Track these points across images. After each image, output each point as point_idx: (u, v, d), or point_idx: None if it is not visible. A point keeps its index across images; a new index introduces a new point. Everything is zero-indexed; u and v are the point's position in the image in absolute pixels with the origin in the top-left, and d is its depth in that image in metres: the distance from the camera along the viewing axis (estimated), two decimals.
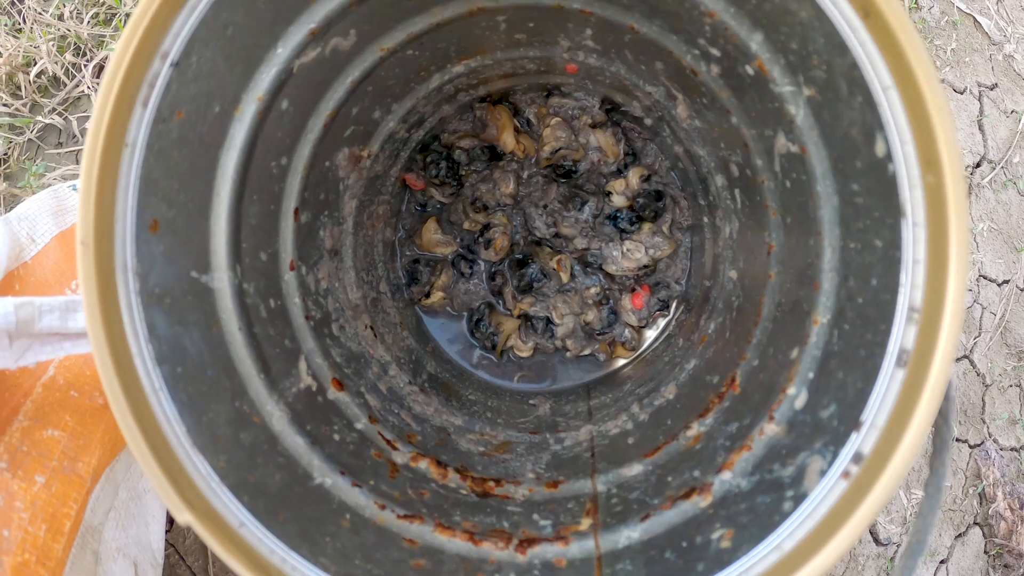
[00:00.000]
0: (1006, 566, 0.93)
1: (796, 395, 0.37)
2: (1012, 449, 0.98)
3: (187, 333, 0.38)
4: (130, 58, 0.32)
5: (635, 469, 0.46)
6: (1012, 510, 0.91)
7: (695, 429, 0.45)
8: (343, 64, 0.45)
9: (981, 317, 1.01)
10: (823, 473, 0.31)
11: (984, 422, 0.98)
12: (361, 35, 0.44)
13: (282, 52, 0.40)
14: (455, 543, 0.41)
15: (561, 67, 0.54)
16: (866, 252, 0.33)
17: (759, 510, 0.34)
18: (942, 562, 0.92)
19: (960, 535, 0.94)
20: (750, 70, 0.38)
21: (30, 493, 0.53)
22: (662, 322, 0.64)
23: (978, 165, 1.07)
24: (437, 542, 0.41)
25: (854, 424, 0.30)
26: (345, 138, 0.51)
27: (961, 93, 1.09)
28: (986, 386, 0.98)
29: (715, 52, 0.40)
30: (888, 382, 0.30)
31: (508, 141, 0.60)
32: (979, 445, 0.97)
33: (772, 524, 0.32)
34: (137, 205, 0.34)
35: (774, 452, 0.36)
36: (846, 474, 0.30)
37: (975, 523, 0.95)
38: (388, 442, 0.49)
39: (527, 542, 0.41)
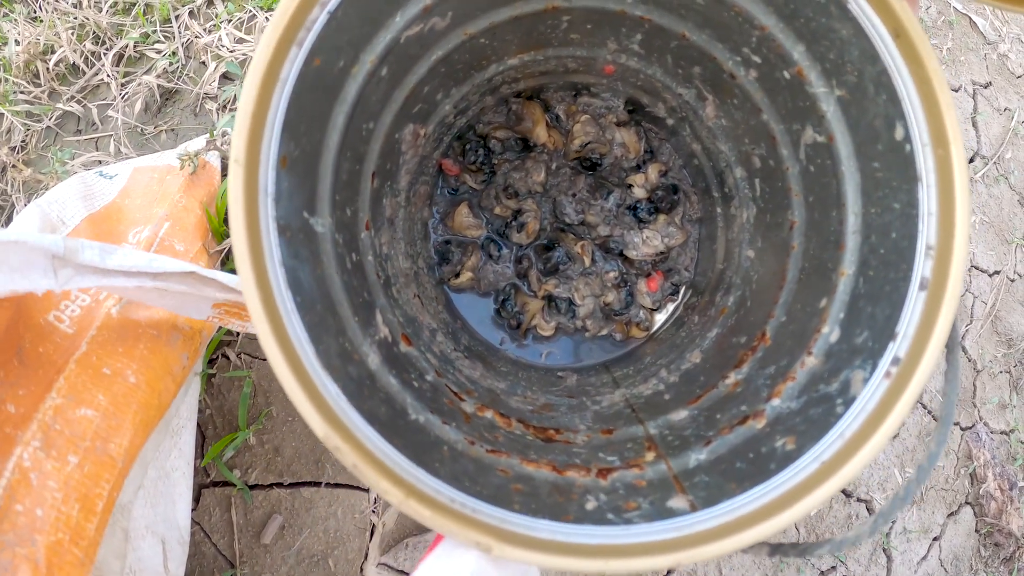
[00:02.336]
0: (996, 544, 1.09)
1: (830, 332, 0.50)
2: (1002, 432, 1.15)
3: (301, 267, 0.45)
4: (298, 2, 0.41)
5: (681, 414, 0.57)
6: (1002, 490, 1.08)
7: (732, 378, 0.58)
8: (432, 43, 0.55)
9: (972, 306, 1.18)
10: (866, 380, 0.44)
11: (975, 406, 1.14)
12: (455, 18, 0.54)
13: (399, 21, 0.49)
14: (542, 472, 0.50)
15: (599, 67, 0.67)
16: (886, 214, 0.47)
17: (814, 419, 0.46)
18: (935, 539, 1.07)
19: (952, 514, 1.09)
20: (788, 75, 0.52)
21: (63, 473, 0.57)
22: (671, 306, 0.77)
23: (971, 161, 1.25)
24: (526, 472, 0.50)
25: (890, 336, 0.44)
26: (413, 114, 0.61)
27: (956, 91, 1.27)
28: (977, 371, 1.15)
29: (756, 59, 0.54)
30: (914, 303, 0.43)
31: (541, 134, 0.72)
32: (970, 428, 1.13)
33: (829, 424, 0.44)
34: (278, 138, 0.42)
35: (817, 377, 0.49)
36: (888, 374, 0.43)
37: (967, 502, 1.10)
38: (455, 394, 0.57)
39: (604, 471, 0.51)
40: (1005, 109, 1.33)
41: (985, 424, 1.15)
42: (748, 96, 0.58)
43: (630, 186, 0.75)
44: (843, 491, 1.07)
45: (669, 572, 0.96)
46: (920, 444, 1.08)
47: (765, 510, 0.42)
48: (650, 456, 0.52)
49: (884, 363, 0.43)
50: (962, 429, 1.14)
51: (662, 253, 0.74)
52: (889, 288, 0.46)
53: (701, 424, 0.55)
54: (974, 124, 1.29)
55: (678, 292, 0.77)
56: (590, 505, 0.46)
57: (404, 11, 0.49)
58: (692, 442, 0.52)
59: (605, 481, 0.50)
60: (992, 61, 1.34)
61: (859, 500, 1.06)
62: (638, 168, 0.76)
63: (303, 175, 0.47)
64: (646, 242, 0.73)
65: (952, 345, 0.45)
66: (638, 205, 0.75)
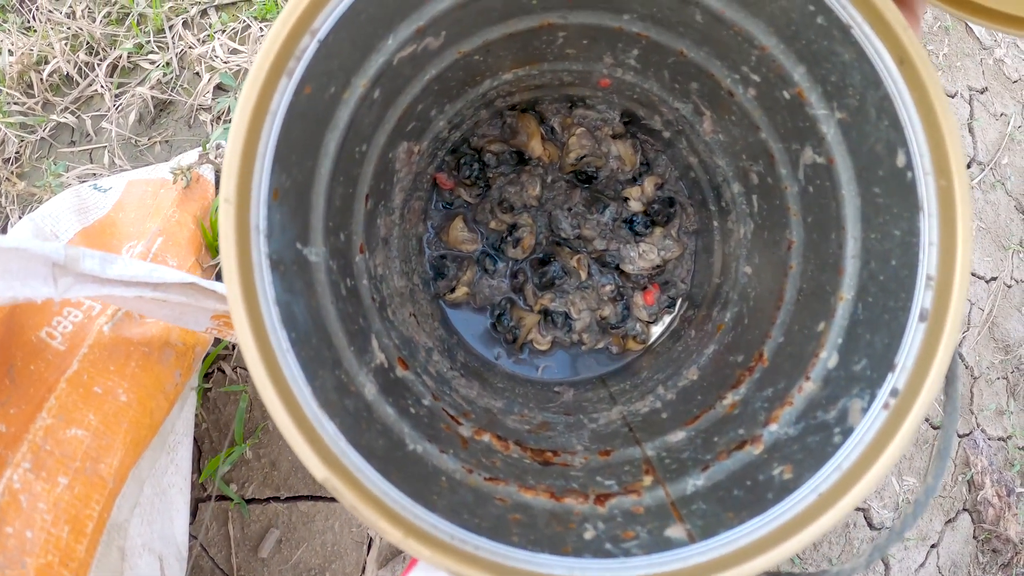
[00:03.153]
0: (994, 551, 1.10)
1: (828, 358, 0.51)
2: (1000, 439, 1.16)
3: (295, 301, 0.45)
4: (287, 32, 0.41)
5: (679, 436, 0.58)
6: (1000, 497, 1.09)
7: (730, 399, 0.58)
8: (426, 63, 0.55)
9: (969, 313, 1.19)
10: (864, 410, 0.45)
11: (972, 413, 1.15)
12: (448, 37, 0.54)
13: (391, 44, 0.49)
14: (540, 500, 0.50)
15: (595, 81, 0.67)
16: (886, 240, 0.48)
17: (812, 447, 0.47)
18: (933, 547, 1.08)
19: (950, 520, 1.10)
20: (787, 95, 0.52)
21: (53, 494, 0.58)
22: (667, 318, 0.77)
23: (968, 167, 1.23)
24: (524, 500, 0.50)
25: (889, 367, 0.44)
26: (406, 132, 0.60)
27: (952, 97, 1.26)
28: (974, 378, 1.16)
29: (755, 78, 0.54)
30: (913, 334, 0.43)
31: (536, 147, 0.72)
32: (968, 435, 1.14)
33: (827, 454, 0.45)
34: (269, 172, 0.42)
35: (815, 403, 0.50)
36: (886, 406, 0.43)
37: (964, 509, 1.12)
38: (452, 417, 0.58)
39: (602, 497, 0.51)
40: (1001, 114, 1.33)
41: (983, 431, 1.16)
42: (746, 113, 0.58)
43: (626, 199, 0.75)
44: None
45: None
46: (918, 452, 1.09)
47: (763, 542, 0.43)
48: (648, 480, 0.53)
49: (883, 394, 0.44)
50: (960, 436, 1.15)
51: (658, 266, 0.74)
52: (888, 317, 0.46)
53: (699, 447, 0.55)
54: (970, 130, 1.29)
55: (674, 304, 0.77)
56: (588, 535, 0.47)
57: (396, 34, 0.49)
58: (689, 466, 0.53)
59: (603, 508, 0.51)
60: (988, 66, 1.34)
61: (857, 509, 1.06)
62: (634, 181, 0.76)
63: (295, 206, 0.46)
64: (642, 256, 0.73)
65: (951, 377, 0.46)
66: (634, 218, 0.74)
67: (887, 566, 1.05)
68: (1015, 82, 1.38)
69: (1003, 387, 1.20)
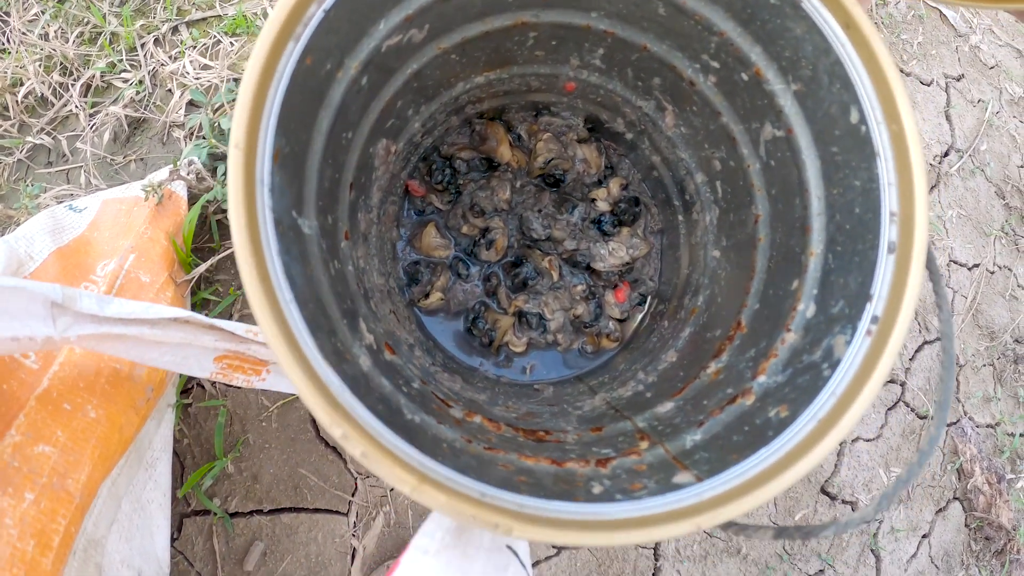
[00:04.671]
0: (987, 538, 1.12)
1: (805, 309, 0.55)
2: (988, 426, 1.19)
3: (293, 264, 0.47)
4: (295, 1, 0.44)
5: (667, 406, 0.60)
6: (990, 484, 1.11)
7: (712, 367, 0.61)
8: (409, 56, 0.59)
9: (953, 300, 1.22)
10: (849, 342, 0.49)
11: (959, 401, 1.18)
12: (431, 31, 0.58)
13: (382, 29, 0.53)
14: (542, 466, 0.51)
15: (561, 85, 0.72)
16: (848, 192, 0.53)
17: (803, 386, 0.50)
18: (924, 536, 1.10)
19: (941, 510, 1.12)
20: (745, 76, 0.59)
21: (19, 510, 0.59)
22: (639, 316, 0.81)
23: (946, 154, 1.29)
24: (527, 466, 0.51)
25: (866, 299, 0.48)
26: (386, 129, 0.64)
27: (928, 85, 1.31)
28: (960, 366, 1.20)
29: (715, 64, 0.61)
30: (885, 265, 0.48)
31: (505, 153, 0.76)
32: (955, 423, 1.17)
33: (819, 387, 0.48)
34: (273, 130, 0.45)
35: (799, 350, 0.53)
36: (869, 332, 0.47)
37: (955, 498, 1.14)
38: (442, 400, 0.58)
39: (603, 460, 0.53)
40: (979, 101, 1.37)
41: (970, 419, 1.20)
42: (707, 101, 0.64)
43: (593, 200, 0.80)
44: (828, 494, 1.10)
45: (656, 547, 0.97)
46: (905, 443, 1.13)
47: (771, 470, 0.45)
48: (644, 444, 0.55)
49: (864, 323, 0.48)
50: (947, 425, 1.19)
51: (627, 264, 0.78)
52: (859, 259, 0.51)
53: (689, 411, 0.58)
54: (947, 118, 1.34)
55: (645, 301, 0.81)
56: (597, 490, 0.48)
57: (388, 19, 0.53)
58: (684, 427, 0.55)
59: (605, 469, 0.52)
60: (964, 53, 1.38)
61: (844, 502, 1.09)
62: (600, 183, 0.81)
63: (292, 174, 0.48)
64: (612, 253, 0.77)
65: (939, 290, 0.50)
66: (602, 218, 0.79)
67: (878, 557, 1.07)
68: (992, 68, 1.42)
69: (990, 374, 1.24)
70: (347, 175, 0.59)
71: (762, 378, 0.54)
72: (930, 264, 0.50)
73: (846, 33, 0.50)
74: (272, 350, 0.40)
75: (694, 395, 0.60)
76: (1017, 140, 1.42)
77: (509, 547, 0.64)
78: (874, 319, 0.48)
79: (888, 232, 0.49)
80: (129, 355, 0.61)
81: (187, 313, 0.61)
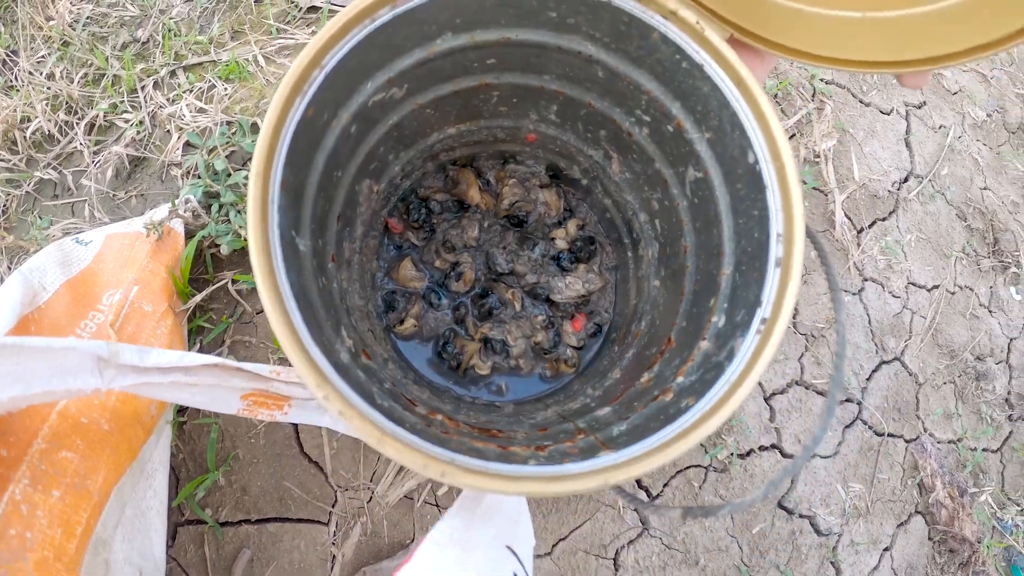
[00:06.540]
0: (951, 551, 1.20)
1: (718, 320, 0.70)
2: (949, 442, 1.27)
3: (290, 269, 0.62)
4: (305, 64, 0.60)
5: (605, 410, 0.74)
6: (952, 497, 1.17)
7: (645, 377, 0.75)
8: (391, 109, 0.76)
9: (911, 321, 1.33)
10: (743, 342, 0.63)
11: (919, 418, 1.28)
12: (408, 90, 0.75)
13: (369, 88, 0.70)
14: (489, 448, 0.65)
15: (523, 136, 0.90)
16: (749, 221, 0.69)
17: (709, 380, 0.64)
18: (886, 550, 1.18)
19: (902, 523, 1.20)
20: (670, 127, 0.76)
21: (48, 503, 0.73)
22: (595, 345, 0.96)
23: (905, 180, 1.41)
24: (476, 447, 0.64)
25: (757, 305, 0.63)
26: (370, 171, 0.80)
27: (887, 114, 1.43)
28: (919, 384, 1.30)
29: (646, 118, 0.78)
30: (773, 276, 0.63)
31: (474, 196, 0.93)
32: (915, 439, 1.26)
33: (719, 376, 0.63)
34: (283, 164, 0.61)
35: (710, 354, 0.67)
36: (758, 332, 0.62)
37: (917, 512, 1.22)
38: (410, 401, 0.72)
39: (542, 447, 0.66)
40: (940, 127, 1.50)
41: (931, 435, 1.28)
42: (643, 150, 0.81)
43: (553, 239, 0.96)
44: (786, 509, 1.19)
45: (616, 557, 1.07)
46: (863, 459, 1.23)
47: (671, 441, 0.58)
48: (580, 437, 0.69)
49: (755, 324, 0.63)
50: (906, 441, 1.28)
51: (583, 296, 0.93)
52: (756, 274, 0.66)
53: (622, 412, 0.71)
54: (907, 144, 1.47)
55: (601, 331, 0.96)
56: (532, 463, 0.62)
57: (374, 80, 0.70)
58: (614, 422, 0.69)
59: (544, 452, 0.65)
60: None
61: (801, 516, 1.19)
62: (559, 223, 0.97)
63: (293, 200, 0.64)
64: (569, 287, 0.92)
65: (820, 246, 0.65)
66: (560, 255, 0.95)
67: (838, 570, 1.14)
68: (955, 94, 1.54)
69: (951, 391, 1.33)
70: (336, 207, 0.74)
71: (680, 379, 0.68)
72: (829, 276, 0.65)
73: (739, 90, 0.67)
74: (276, 333, 0.55)
75: (628, 400, 0.74)
76: (980, 163, 1.54)
77: (508, 547, 0.79)
78: (763, 320, 0.62)
79: (776, 250, 0.64)
80: (164, 397, 0.74)
81: (218, 359, 0.74)
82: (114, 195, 1.16)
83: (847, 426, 1.29)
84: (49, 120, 1.18)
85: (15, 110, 1.17)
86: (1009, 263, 1.50)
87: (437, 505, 1.07)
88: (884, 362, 1.34)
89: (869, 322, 1.36)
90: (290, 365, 0.65)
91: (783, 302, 0.62)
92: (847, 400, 1.30)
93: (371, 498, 1.04)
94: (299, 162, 0.63)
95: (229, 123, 1.19)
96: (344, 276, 0.78)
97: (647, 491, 1.15)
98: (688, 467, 1.18)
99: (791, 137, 1.41)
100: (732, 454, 1.18)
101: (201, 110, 1.20)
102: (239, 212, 1.09)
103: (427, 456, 0.56)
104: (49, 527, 0.71)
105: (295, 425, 1.07)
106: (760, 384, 1.18)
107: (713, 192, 0.73)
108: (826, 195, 1.44)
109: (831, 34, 0.67)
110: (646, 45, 0.70)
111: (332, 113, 0.67)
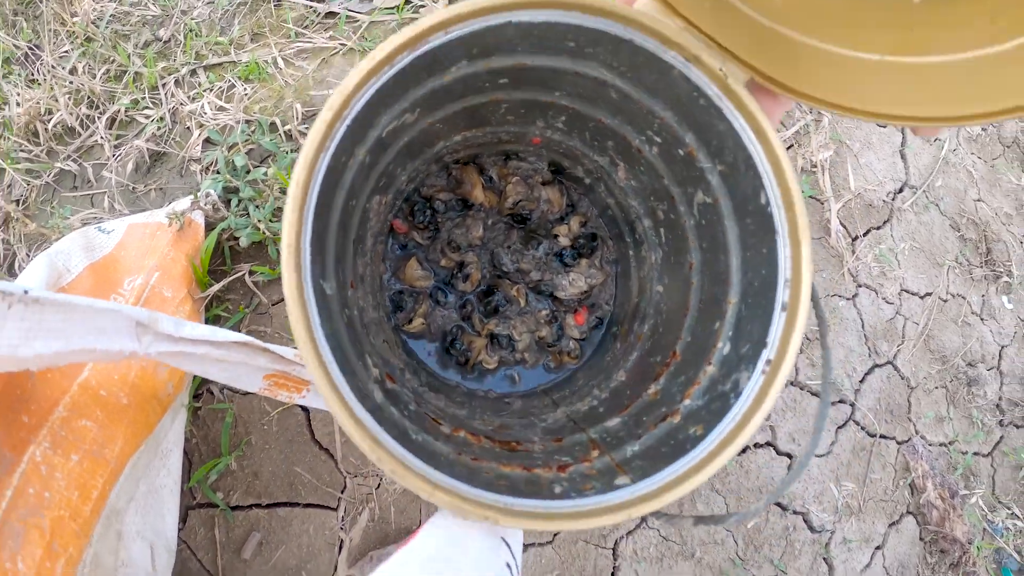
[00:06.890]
0: (942, 551, 1.27)
1: (723, 347, 0.75)
2: (941, 444, 1.34)
3: (323, 323, 0.65)
4: (331, 117, 0.61)
5: (615, 421, 0.80)
6: (943, 499, 1.23)
7: (652, 389, 0.82)
8: (403, 133, 0.76)
9: (904, 327, 1.39)
10: (749, 377, 0.70)
11: (911, 421, 1.35)
12: (420, 113, 0.75)
13: (384, 120, 0.70)
14: (516, 472, 0.71)
15: (528, 139, 0.91)
16: (757, 257, 0.73)
17: (715, 410, 0.70)
18: (877, 548, 1.26)
19: (894, 523, 1.28)
20: (681, 152, 0.78)
21: (67, 467, 0.79)
22: (597, 336, 1.02)
23: (900, 191, 1.45)
24: (504, 472, 0.70)
25: (763, 345, 0.69)
26: (380, 188, 0.81)
27: (884, 127, 1.47)
28: (911, 388, 1.36)
29: (658, 139, 0.80)
30: (778, 320, 0.69)
31: (478, 195, 0.95)
32: (907, 441, 1.33)
33: (726, 412, 0.68)
34: (312, 217, 0.62)
35: (716, 380, 0.74)
36: (763, 372, 0.68)
37: (908, 512, 1.29)
38: (433, 419, 0.77)
39: (563, 467, 0.73)
40: (935, 140, 1.53)
41: (922, 437, 1.35)
42: (652, 165, 0.83)
43: (556, 236, 0.99)
44: (780, 506, 1.28)
45: (615, 547, 1.19)
46: (855, 459, 1.31)
47: (685, 475, 0.65)
48: (595, 454, 0.75)
49: (760, 364, 0.68)
50: (898, 443, 1.35)
51: (586, 292, 0.98)
52: (762, 311, 0.71)
53: (631, 426, 0.78)
54: (902, 156, 1.51)
55: (602, 324, 1.02)
56: (557, 490, 0.68)
57: (388, 114, 0.70)
58: (626, 439, 0.75)
59: (565, 473, 0.72)
60: None
61: (795, 512, 1.27)
62: (562, 220, 1.00)
63: (318, 248, 0.66)
64: (572, 283, 0.97)
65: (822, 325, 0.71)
66: (563, 252, 0.99)
67: (831, 567, 1.23)
68: None
69: (942, 395, 1.39)
70: (351, 234, 0.76)
71: (687, 401, 0.75)
72: (818, 312, 0.71)
73: (757, 138, 0.69)
74: (323, 397, 0.59)
75: (637, 412, 0.80)
76: (974, 175, 1.59)
77: (502, 538, 0.87)
78: (768, 362, 0.68)
79: (783, 295, 0.69)
80: (193, 369, 0.78)
81: (247, 338, 0.78)
82: (134, 188, 1.18)
83: (840, 426, 1.35)
84: (71, 113, 1.19)
85: (38, 102, 1.18)
86: (1001, 273, 1.55)
87: None
88: (877, 365, 1.41)
89: (862, 326, 1.42)
90: None
91: (788, 347, 0.67)
92: (840, 401, 1.37)
93: (379, 485, 1.11)
94: (323, 209, 0.65)
95: (248, 122, 1.22)
96: (360, 295, 0.80)
97: None
98: None
99: (789, 148, 1.44)
100: None
101: (221, 108, 1.20)
102: (257, 207, 1.13)
103: (473, 503, 0.62)
104: (67, 489, 0.77)
105: (307, 413, 1.13)
106: None
107: (722, 219, 0.76)
108: (822, 203, 1.48)
109: (850, 80, 0.69)
110: (665, 80, 0.72)
111: (350, 153, 0.68)
